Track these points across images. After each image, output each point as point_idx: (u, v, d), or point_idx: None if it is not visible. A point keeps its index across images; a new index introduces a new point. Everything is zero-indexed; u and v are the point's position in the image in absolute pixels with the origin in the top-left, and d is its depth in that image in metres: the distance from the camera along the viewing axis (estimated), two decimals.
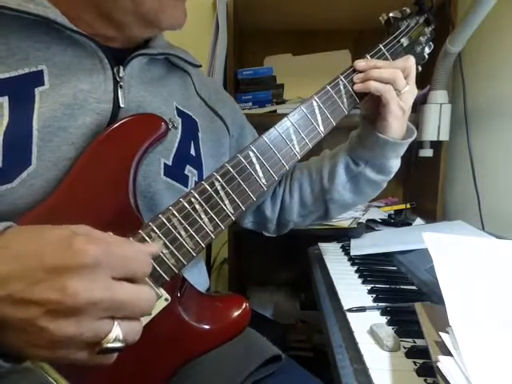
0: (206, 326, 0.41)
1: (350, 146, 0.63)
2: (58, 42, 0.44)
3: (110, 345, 0.29)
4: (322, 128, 0.50)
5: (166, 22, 0.47)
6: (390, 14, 0.58)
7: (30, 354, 0.29)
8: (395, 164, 0.62)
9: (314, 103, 0.49)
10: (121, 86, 0.46)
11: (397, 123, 0.56)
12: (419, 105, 1.07)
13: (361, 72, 0.53)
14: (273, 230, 0.74)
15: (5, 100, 0.40)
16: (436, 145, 1.09)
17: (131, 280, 0.31)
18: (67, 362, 0.29)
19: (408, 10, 0.59)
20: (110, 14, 0.45)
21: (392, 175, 0.64)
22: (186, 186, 0.52)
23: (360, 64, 0.53)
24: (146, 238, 0.39)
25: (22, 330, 0.28)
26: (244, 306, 0.43)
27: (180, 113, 0.54)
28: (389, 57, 0.55)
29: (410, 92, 0.55)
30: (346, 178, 0.63)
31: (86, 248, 0.28)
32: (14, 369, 0.30)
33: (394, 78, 0.53)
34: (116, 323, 0.29)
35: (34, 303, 0.27)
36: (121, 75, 0.46)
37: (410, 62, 0.54)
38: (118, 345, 0.29)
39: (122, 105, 0.46)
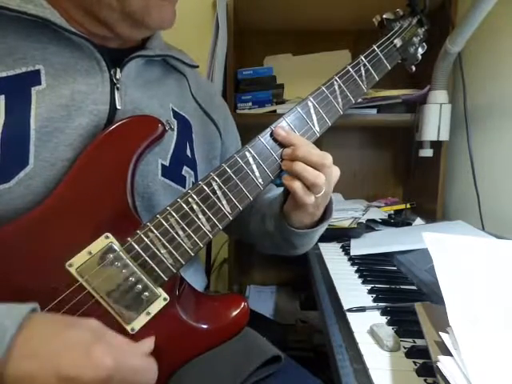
0: (205, 326, 0.41)
1: (273, 203, 0.60)
2: (56, 42, 0.44)
3: None
4: (317, 128, 0.50)
5: (152, 21, 0.47)
6: (384, 16, 0.58)
7: None
8: (299, 242, 0.56)
9: (310, 103, 0.49)
10: (117, 88, 0.46)
11: (298, 219, 0.52)
12: (419, 105, 1.07)
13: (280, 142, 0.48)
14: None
15: (1, 99, 0.40)
16: (436, 145, 1.09)
17: None
18: None
19: (401, 12, 0.59)
20: (97, 13, 0.45)
21: (303, 250, 0.59)
22: (184, 186, 0.53)
23: (279, 132, 0.47)
24: (144, 238, 0.39)
25: None
26: (243, 305, 0.43)
27: (175, 114, 0.54)
28: (382, 58, 0.55)
29: (324, 194, 0.49)
30: (264, 230, 0.60)
31: (102, 361, 0.29)
32: None
33: (313, 182, 0.46)
34: None
35: None
36: (118, 77, 0.47)
37: (322, 159, 0.46)
38: None
39: (118, 106, 0.46)
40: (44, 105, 0.41)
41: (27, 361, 0.29)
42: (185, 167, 0.53)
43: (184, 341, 0.41)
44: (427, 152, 1.10)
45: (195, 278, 0.57)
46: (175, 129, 0.52)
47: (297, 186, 0.46)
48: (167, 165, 0.50)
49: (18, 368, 0.28)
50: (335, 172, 0.49)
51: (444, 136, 1.05)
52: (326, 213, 0.54)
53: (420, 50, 0.61)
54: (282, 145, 0.47)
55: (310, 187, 0.47)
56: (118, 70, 0.47)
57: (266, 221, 0.58)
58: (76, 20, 0.46)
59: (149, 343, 0.37)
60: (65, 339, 0.30)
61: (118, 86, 0.46)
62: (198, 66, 0.61)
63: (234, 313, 0.42)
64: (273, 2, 1.12)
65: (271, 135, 0.47)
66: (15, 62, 0.42)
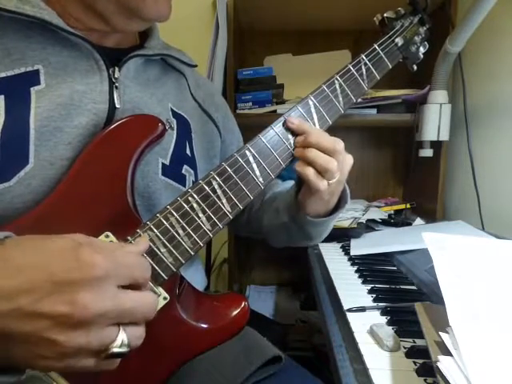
0: (205, 325, 0.41)
1: (287, 194, 0.61)
2: (54, 42, 0.44)
3: (116, 350, 0.30)
4: (318, 127, 0.50)
5: (148, 12, 0.47)
6: (385, 15, 0.58)
7: (37, 365, 0.29)
8: (314, 232, 0.58)
9: (310, 102, 0.49)
10: (116, 87, 0.47)
11: (313, 208, 0.53)
12: (419, 105, 1.07)
13: (294, 131, 0.49)
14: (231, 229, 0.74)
15: (1, 99, 0.40)
16: (436, 145, 1.09)
17: (134, 286, 0.32)
18: (74, 370, 0.29)
19: (402, 11, 0.59)
20: (93, 4, 0.45)
21: (317, 241, 0.61)
22: (184, 185, 0.53)
23: (293, 121, 0.48)
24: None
25: (29, 343, 0.28)
26: (243, 305, 0.43)
27: (174, 114, 0.54)
28: (384, 56, 0.55)
29: (337, 181, 0.50)
30: (278, 222, 0.61)
31: (93, 260, 0.28)
32: (16, 381, 0.30)
33: (326, 168, 0.48)
34: (121, 329, 0.30)
35: (44, 316, 0.27)
36: (116, 76, 0.47)
37: (334, 145, 0.48)
38: (123, 350, 0.30)
39: (117, 105, 0.46)
40: (43, 104, 0.41)
41: (14, 276, 0.28)
42: (185, 166, 0.53)
43: (184, 340, 0.41)
44: (427, 152, 1.10)
45: (195, 278, 0.57)
46: (175, 128, 0.53)
47: (310, 172, 0.48)
48: (167, 164, 0.50)
49: (6, 284, 0.27)
50: (348, 159, 0.50)
51: (444, 136, 1.04)
52: (341, 201, 0.54)
53: (421, 49, 0.61)
54: (283, 143, 0.47)
55: (322, 173, 0.48)
56: (117, 69, 0.47)
57: (280, 213, 0.59)
58: (73, 16, 0.46)
59: (143, 244, 0.36)
60: (48, 249, 0.29)
61: (117, 85, 0.47)
62: (196, 66, 0.61)
63: (235, 312, 0.42)
64: (273, 2, 1.12)
65: (271, 134, 0.47)
66: (14, 62, 0.42)
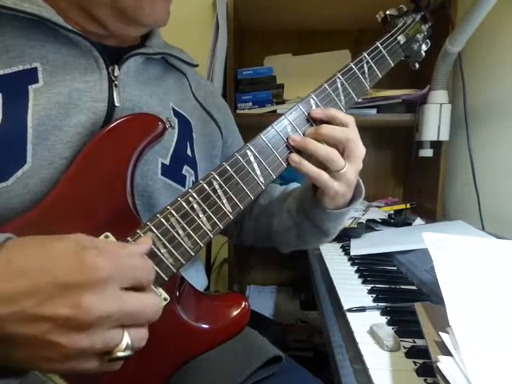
0: (206, 325, 0.41)
1: (298, 193, 0.60)
2: (53, 40, 0.44)
3: (120, 353, 0.29)
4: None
5: (145, 17, 0.46)
6: (387, 12, 0.58)
7: (40, 367, 0.29)
8: (333, 226, 0.56)
9: (312, 101, 0.49)
10: (116, 85, 0.46)
11: (331, 202, 0.51)
12: (419, 105, 1.07)
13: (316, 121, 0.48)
14: (235, 240, 0.73)
15: None
16: (436, 145, 1.09)
17: (138, 288, 0.32)
18: (77, 372, 0.29)
19: (405, 8, 0.59)
20: (90, 9, 0.45)
21: (332, 236, 0.59)
22: (184, 185, 0.52)
23: (316, 111, 0.48)
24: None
25: (32, 345, 0.28)
26: (243, 305, 0.43)
27: (176, 113, 0.54)
28: (386, 54, 0.55)
29: (350, 170, 0.48)
30: (291, 223, 0.59)
31: (96, 262, 0.28)
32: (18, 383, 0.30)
33: (327, 158, 0.46)
34: (125, 332, 0.30)
35: (46, 319, 0.27)
36: (116, 74, 0.46)
37: (347, 134, 0.47)
38: (127, 353, 0.30)
39: (117, 104, 0.46)
40: (41, 103, 0.41)
41: (16, 278, 0.27)
42: (185, 166, 0.53)
43: (184, 341, 0.41)
44: (427, 152, 1.10)
45: (196, 279, 0.57)
46: (176, 128, 0.52)
47: (306, 166, 0.47)
48: (167, 164, 0.50)
49: (9, 287, 0.27)
50: (361, 149, 0.49)
51: (444, 136, 1.05)
52: (355, 193, 0.53)
53: (424, 47, 0.60)
54: (284, 141, 0.47)
55: (325, 163, 0.47)
56: (116, 67, 0.47)
57: (293, 212, 0.58)
58: (72, 18, 0.46)
59: (146, 245, 0.36)
60: (51, 251, 0.29)
61: (116, 83, 0.46)
62: (197, 65, 0.61)
63: (235, 312, 0.42)
64: (273, 2, 1.12)
65: (272, 133, 0.47)
66: (12, 59, 0.41)
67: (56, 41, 0.44)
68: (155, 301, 0.33)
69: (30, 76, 0.42)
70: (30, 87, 0.41)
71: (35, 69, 0.42)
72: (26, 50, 0.42)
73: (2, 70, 0.41)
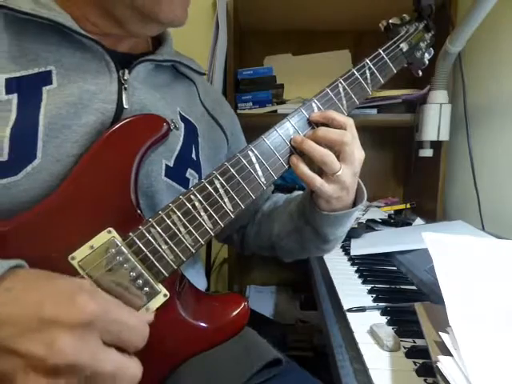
0: (205, 324, 0.41)
1: (300, 197, 0.59)
2: (68, 45, 0.46)
3: None
4: None
5: (163, 15, 0.47)
6: (390, 21, 0.58)
7: None
8: (330, 232, 0.54)
9: (314, 105, 0.50)
10: (125, 88, 0.47)
11: (327, 205, 0.51)
12: (419, 105, 1.07)
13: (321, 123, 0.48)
14: (238, 248, 0.73)
15: (14, 97, 0.41)
16: (436, 145, 1.09)
17: (121, 348, 0.31)
18: None
19: (407, 17, 0.59)
20: (111, 10, 0.46)
21: (333, 243, 0.57)
22: (187, 188, 0.53)
23: (314, 114, 0.48)
24: (146, 233, 0.39)
25: (2, 377, 0.28)
26: (243, 305, 0.43)
27: (182, 118, 0.55)
28: (388, 61, 0.55)
29: (346, 174, 0.47)
30: (292, 227, 0.59)
31: (86, 305, 0.28)
32: None
33: (321, 160, 0.46)
34: None
35: (18, 354, 0.27)
36: (125, 78, 0.48)
37: (342, 136, 0.46)
38: None
39: (125, 106, 0.47)
40: (53, 102, 0.43)
41: (7, 307, 0.28)
42: (189, 169, 0.54)
43: (183, 339, 0.41)
44: (427, 152, 1.10)
45: (196, 280, 0.57)
46: (182, 131, 0.53)
47: (301, 169, 0.47)
48: (171, 166, 0.51)
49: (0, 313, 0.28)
50: (357, 152, 0.48)
51: (444, 136, 1.05)
52: (357, 200, 0.53)
53: (427, 55, 0.61)
54: (286, 143, 0.47)
55: (320, 165, 0.47)
56: (127, 71, 0.48)
57: (294, 216, 0.58)
58: (90, 20, 0.47)
59: (150, 315, 0.36)
60: (50, 288, 0.29)
61: (126, 86, 0.47)
62: (205, 74, 0.62)
63: (234, 312, 0.42)
64: (273, 2, 1.12)
65: (274, 135, 0.47)
66: (29, 62, 0.43)
67: (70, 45, 0.46)
68: (134, 368, 0.31)
69: (45, 78, 0.43)
70: (44, 88, 0.43)
71: (50, 71, 0.44)
72: (42, 53, 0.44)
73: (19, 72, 0.43)
